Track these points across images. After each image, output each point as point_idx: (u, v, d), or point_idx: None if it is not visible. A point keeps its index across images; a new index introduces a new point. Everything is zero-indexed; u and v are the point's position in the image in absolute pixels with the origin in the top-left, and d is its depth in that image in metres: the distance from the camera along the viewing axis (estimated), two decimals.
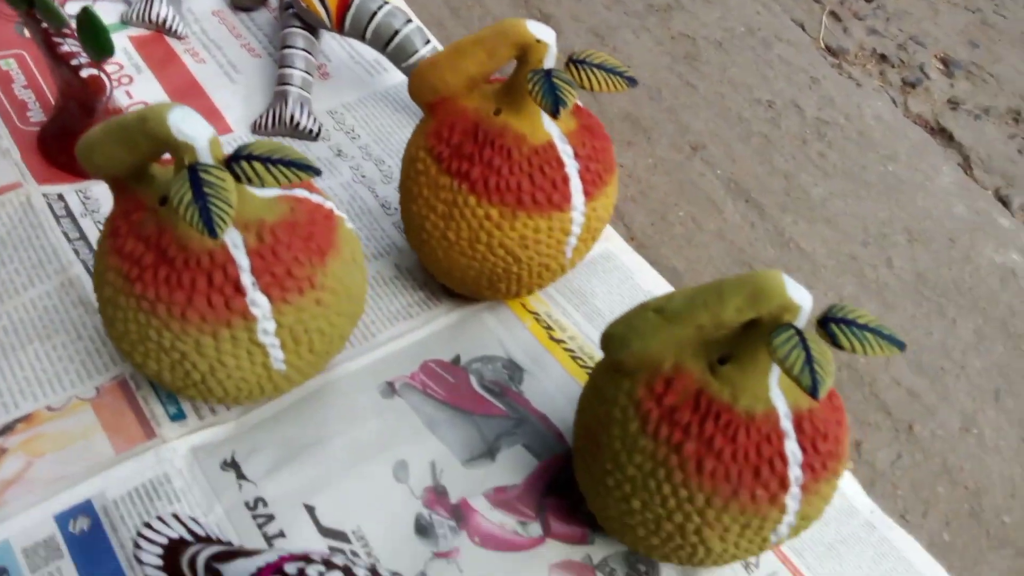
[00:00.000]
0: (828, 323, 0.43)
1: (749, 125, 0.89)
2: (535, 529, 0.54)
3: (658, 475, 0.46)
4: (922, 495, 0.64)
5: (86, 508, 0.49)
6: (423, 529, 0.53)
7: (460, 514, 0.54)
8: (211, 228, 0.39)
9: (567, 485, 0.56)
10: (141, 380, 0.55)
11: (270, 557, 0.36)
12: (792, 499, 0.45)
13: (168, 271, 0.44)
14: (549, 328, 0.65)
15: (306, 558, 0.35)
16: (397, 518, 0.53)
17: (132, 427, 0.53)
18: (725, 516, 0.45)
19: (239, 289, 0.44)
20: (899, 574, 0.57)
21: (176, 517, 0.40)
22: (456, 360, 0.62)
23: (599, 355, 0.63)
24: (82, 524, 0.48)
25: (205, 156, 0.41)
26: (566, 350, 0.64)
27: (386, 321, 0.62)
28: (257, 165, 0.41)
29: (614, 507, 0.49)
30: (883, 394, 0.70)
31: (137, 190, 0.45)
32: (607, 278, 0.69)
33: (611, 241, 0.73)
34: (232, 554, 0.37)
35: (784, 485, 0.45)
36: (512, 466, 0.56)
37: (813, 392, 0.39)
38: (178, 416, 0.54)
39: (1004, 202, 0.91)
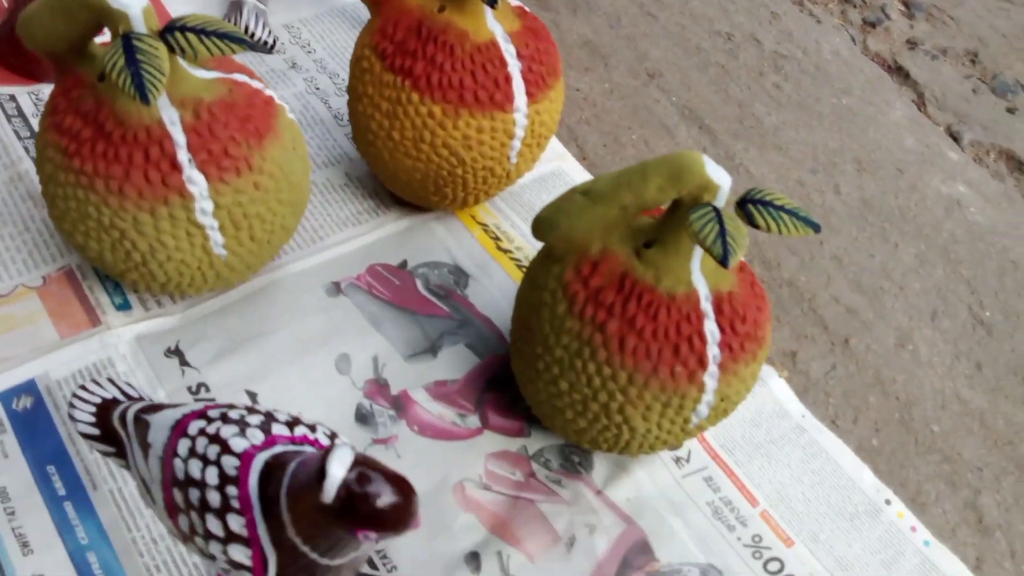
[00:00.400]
0: (746, 204, 0.44)
1: (707, 56, 0.90)
2: (473, 421, 0.56)
3: (583, 354, 0.47)
4: (853, 403, 0.67)
5: (30, 387, 0.51)
6: (363, 417, 0.54)
7: (400, 404, 0.55)
8: (143, 93, 0.40)
9: (506, 383, 0.58)
10: (88, 271, 0.56)
11: (196, 406, 0.37)
12: (710, 377, 0.47)
13: (105, 146, 0.45)
14: (497, 239, 0.67)
15: (229, 406, 0.37)
16: (338, 407, 0.54)
17: (77, 314, 0.54)
18: (647, 393, 0.47)
19: (175, 165, 0.45)
20: (827, 473, 0.59)
21: (111, 381, 0.41)
22: (403, 264, 0.63)
23: None
24: (25, 402, 0.50)
25: (139, 25, 0.42)
26: (512, 259, 0.66)
27: (334, 226, 0.64)
28: (191, 36, 0.42)
29: (544, 391, 0.50)
30: (821, 310, 0.72)
31: (77, 67, 0.46)
32: (557, 194, 0.71)
33: (564, 160, 0.74)
34: (159, 407, 0.39)
35: (702, 363, 0.47)
36: (453, 363, 0.58)
37: (723, 261, 0.41)
38: (124, 306, 0.55)
39: (955, 137, 0.93)
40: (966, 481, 0.64)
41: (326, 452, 0.30)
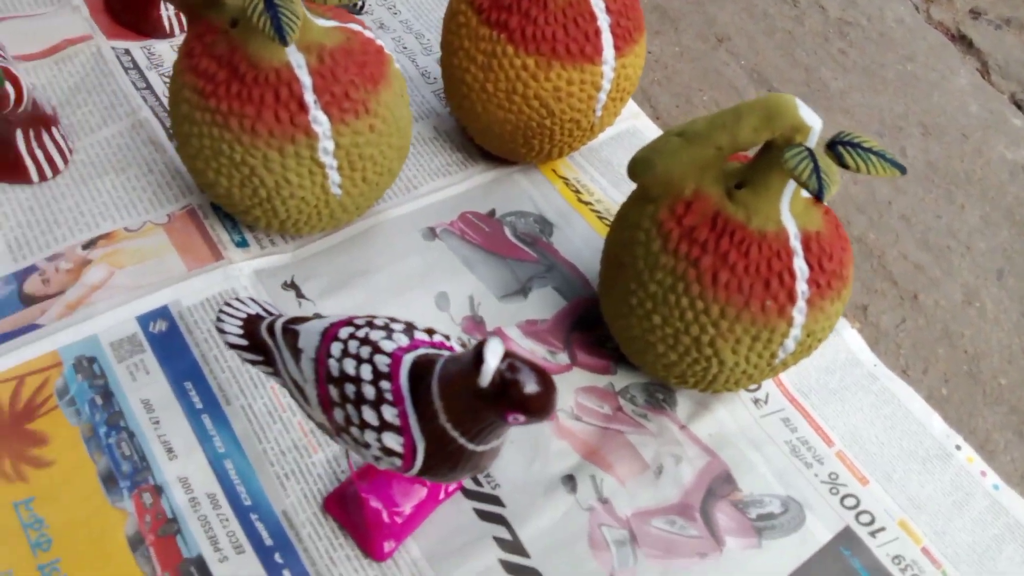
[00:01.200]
0: (836, 145, 0.47)
1: (773, 21, 0.92)
2: (563, 358, 0.59)
3: (677, 289, 0.50)
4: (923, 355, 0.69)
5: (163, 313, 0.55)
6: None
7: None
8: (282, 35, 0.43)
9: (593, 324, 0.61)
10: (208, 210, 0.61)
11: (341, 316, 0.41)
12: (799, 312, 0.50)
13: (239, 87, 0.48)
14: (578, 192, 0.70)
15: (372, 316, 0.41)
16: None
17: (201, 249, 0.58)
18: (737, 327, 0.50)
19: (303, 106, 0.49)
20: (898, 419, 0.61)
21: (253, 300, 0.45)
22: (491, 213, 0.66)
23: None
24: (160, 326, 0.54)
25: None
26: (592, 211, 0.69)
27: (427, 176, 0.67)
28: None
29: (637, 326, 0.53)
30: (891, 266, 0.74)
31: (210, 15, 0.50)
32: (633, 151, 0.73)
33: (639, 119, 0.77)
34: (304, 318, 0.42)
35: (792, 298, 0.49)
36: (542, 304, 0.62)
37: (819, 194, 0.44)
38: (242, 244, 0.60)
39: (1019, 105, 0.94)
40: None
41: (480, 344, 0.33)
